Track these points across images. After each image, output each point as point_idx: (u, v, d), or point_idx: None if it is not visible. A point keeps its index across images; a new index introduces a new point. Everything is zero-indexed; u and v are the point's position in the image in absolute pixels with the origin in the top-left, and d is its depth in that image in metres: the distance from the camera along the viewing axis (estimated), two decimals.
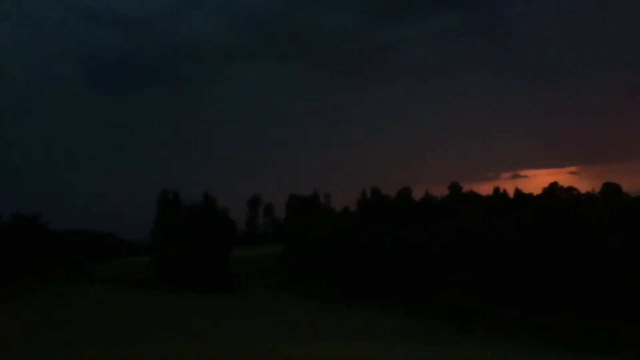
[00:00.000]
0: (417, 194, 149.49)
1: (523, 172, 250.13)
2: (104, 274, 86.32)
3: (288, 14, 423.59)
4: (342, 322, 51.66)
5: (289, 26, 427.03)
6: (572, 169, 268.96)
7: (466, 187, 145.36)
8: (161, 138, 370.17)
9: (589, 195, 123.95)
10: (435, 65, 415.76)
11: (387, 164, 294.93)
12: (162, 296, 62.18)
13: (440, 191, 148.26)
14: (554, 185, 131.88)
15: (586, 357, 34.08)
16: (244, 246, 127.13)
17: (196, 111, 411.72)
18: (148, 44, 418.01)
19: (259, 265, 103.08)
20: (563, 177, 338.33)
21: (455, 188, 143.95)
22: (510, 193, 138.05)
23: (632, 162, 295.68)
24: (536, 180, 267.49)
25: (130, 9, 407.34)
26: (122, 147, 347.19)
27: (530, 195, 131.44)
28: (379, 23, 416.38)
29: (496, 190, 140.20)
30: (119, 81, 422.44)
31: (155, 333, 35.02)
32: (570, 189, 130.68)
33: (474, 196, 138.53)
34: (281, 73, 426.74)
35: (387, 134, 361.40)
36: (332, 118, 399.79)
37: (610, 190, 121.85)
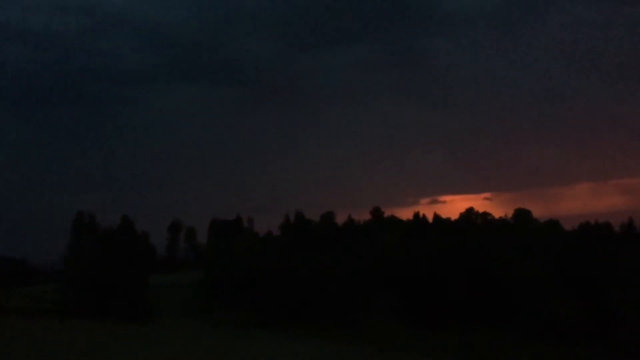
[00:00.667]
0: (340, 219, 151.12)
1: (441, 198, 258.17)
2: (10, 303, 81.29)
3: (208, 38, 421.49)
4: (260, 349, 50.94)
5: (209, 50, 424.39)
6: (487, 195, 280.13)
7: (387, 212, 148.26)
8: (76, 160, 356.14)
9: (502, 220, 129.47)
10: (357, 92, 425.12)
11: (311, 188, 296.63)
12: (70, 327, 59.16)
13: (363, 215, 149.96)
14: (470, 211, 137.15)
15: None
16: (163, 272, 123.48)
17: (114, 133, 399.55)
18: (62, 61, 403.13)
19: (177, 292, 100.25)
20: (478, 202, 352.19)
21: (377, 213, 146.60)
22: (429, 218, 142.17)
23: (542, 189, 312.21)
24: (453, 206, 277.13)
25: (42, 25, 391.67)
26: (32, 168, 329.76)
27: (447, 220, 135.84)
28: (300, 51, 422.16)
29: (416, 215, 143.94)
30: (26, 98, 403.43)
31: None
32: (485, 214, 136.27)
33: (394, 221, 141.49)
34: (200, 97, 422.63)
35: (311, 159, 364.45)
36: (254, 142, 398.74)
37: (522, 215, 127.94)
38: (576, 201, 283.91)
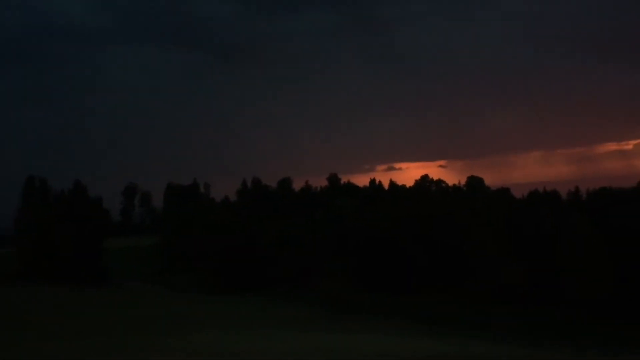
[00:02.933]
0: (297, 185, 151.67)
1: (397, 165, 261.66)
2: None
3: None
4: (220, 313, 51.59)
5: (165, 12, 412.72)
6: (442, 162, 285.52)
7: (344, 179, 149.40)
8: (26, 122, 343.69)
9: (455, 188, 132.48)
10: (315, 58, 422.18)
11: (268, 154, 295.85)
12: (28, 291, 58.47)
13: (320, 182, 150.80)
14: (424, 178, 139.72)
15: (456, 338, 36.86)
16: (118, 237, 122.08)
17: (67, 95, 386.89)
18: (16, 21, 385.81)
19: (134, 257, 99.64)
20: (433, 170, 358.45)
21: (333, 179, 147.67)
22: (385, 184, 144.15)
23: (495, 157, 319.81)
24: (409, 173, 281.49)
25: None
26: None
27: (403, 187, 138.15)
28: (258, 15, 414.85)
29: (372, 181, 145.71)
30: None
31: (21, 331, 33.01)
32: (440, 182, 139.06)
33: (351, 187, 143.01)
34: (157, 59, 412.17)
35: (268, 125, 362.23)
36: (209, 106, 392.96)
37: (474, 183, 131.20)
38: (527, 169, 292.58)
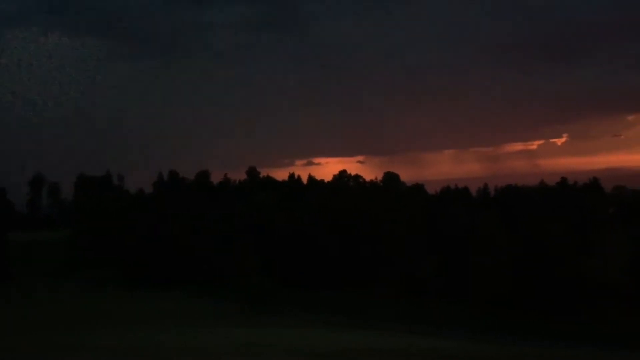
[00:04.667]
0: (216, 178, 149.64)
1: (316, 160, 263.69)
2: None
3: None
4: (132, 308, 50.36)
5: None
6: (360, 158, 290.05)
7: (263, 172, 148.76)
8: None
9: (372, 183, 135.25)
10: (237, 52, 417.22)
11: (186, 146, 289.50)
12: None
13: (239, 175, 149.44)
14: (343, 173, 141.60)
15: (371, 331, 37.72)
16: (24, 230, 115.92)
17: None
18: None
19: (40, 251, 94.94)
20: (352, 165, 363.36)
21: (252, 173, 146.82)
22: (304, 179, 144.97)
23: (411, 154, 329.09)
24: (328, 168, 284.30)
25: None
26: None
27: (322, 182, 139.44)
28: (180, 6, 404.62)
29: (291, 176, 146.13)
30: None
31: None
32: (357, 177, 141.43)
33: (270, 181, 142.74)
34: (68, 45, 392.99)
35: (187, 117, 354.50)
36: (126, 96, 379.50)
37: (390, 179, 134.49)
38: (441, 166, 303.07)
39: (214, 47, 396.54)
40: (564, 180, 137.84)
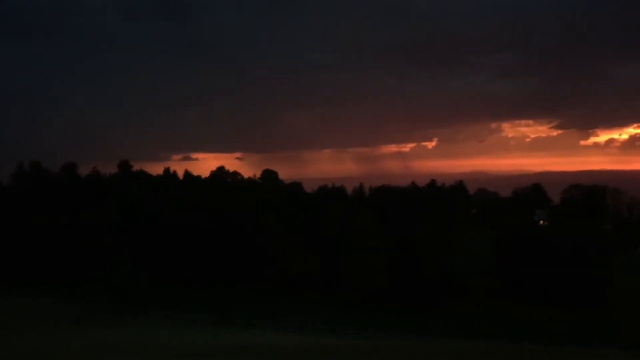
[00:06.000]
0: (85, 171, 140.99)
1: (194, 155, 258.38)
2: None
3: None
4: None
5: None
6: (239, 154, 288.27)
7: (137, 166, 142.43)
8: None
9: (250, 180, 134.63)
10: (118, 41, 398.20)
11: (52, 137, 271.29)
12: None
13: (110, 169, 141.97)
14: (221, 169, 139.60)
15: (246, 329, 37.18)
16: None
17: None
18: None
19: None
20: (230, 161, 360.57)
21: (125, 166, 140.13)
22: (181, 174, 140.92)
23: (290, 152, 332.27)
24: (206, 164, 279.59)
25: None
26: None
27: (198, 178, 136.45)
28: None
29: (166, 170, 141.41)
30: None
31: None
32: (236, 174, 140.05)
33: (143, 175, 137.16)
34: None
35: (55, 106, 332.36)
36: None
37: (269, 176, 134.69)
38: (319, 165, 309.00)
39: (86, 31, 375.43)
40: (433, 181, 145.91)
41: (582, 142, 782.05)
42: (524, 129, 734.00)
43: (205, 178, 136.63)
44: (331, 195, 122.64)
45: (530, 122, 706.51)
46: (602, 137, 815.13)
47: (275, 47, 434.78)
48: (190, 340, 27.56)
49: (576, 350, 34.35)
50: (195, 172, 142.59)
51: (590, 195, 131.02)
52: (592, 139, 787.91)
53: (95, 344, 23.62)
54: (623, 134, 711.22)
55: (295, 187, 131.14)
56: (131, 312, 48.72)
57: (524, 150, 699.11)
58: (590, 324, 55.87)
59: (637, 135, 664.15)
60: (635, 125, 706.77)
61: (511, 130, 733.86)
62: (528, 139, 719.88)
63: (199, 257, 69.24)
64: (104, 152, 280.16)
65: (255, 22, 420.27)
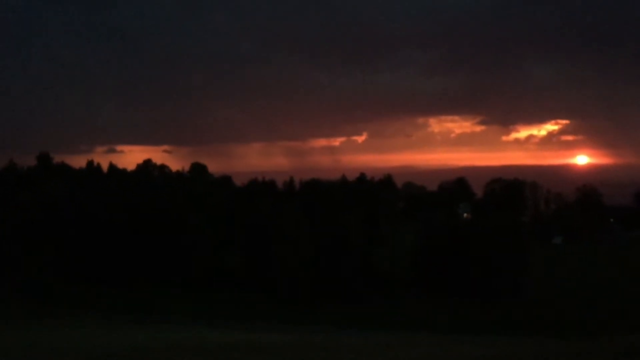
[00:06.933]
0: (0, 163, 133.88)
1: (119, 147, 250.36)
2: None
3: None
4: None
5: None
6: (166, 147, 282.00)
7: (57, 159, 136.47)
8: None
9: (178, 174, 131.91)
10: (31, 28, 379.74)
11: None
12: None
13: (28, 161, 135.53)
14: (148, 162, 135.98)
15: (167, 326, 36.23)
16: None
17: None
18: None
19: None
20: (157, 154, 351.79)
21: (44, 158, 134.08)
22: (105, 167, 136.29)
23: (220, 145, 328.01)
24: (132, 156, 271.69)
25: None
26: None
27: (124, 171, 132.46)
28: None
29: (89, 163, 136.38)
30: None
31: None
32: (163, 167, 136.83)
33: (65, 168, 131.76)
34: None
35: None
36: None
37: (198, 169, 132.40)
38: (249, 159, 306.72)
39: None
40: (362, 175, 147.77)
41: (504, 138, 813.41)
42: (449, 125, 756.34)
43: (131, 171, 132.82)
44: (261, 189, 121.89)
45: (456, 117, 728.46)
46: (523, 133, 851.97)
47: (203, 38, 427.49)
48: (105, 341, 26.57)
49: (491, 340, 35.53)
50: (120, 165, 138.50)
51: (510, 189, 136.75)
52: (513, 135, 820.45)
53: (2, 349, 22.31)
54: (542, 130, 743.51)
55: (225, 180, 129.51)
56: (46, 313, 46.64)
57: (450, 145, 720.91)
58: (508, 313, 58.22)
59: (555, 132, 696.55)
60: (552, 122, 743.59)
61: (437, 125, 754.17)
62: (453, 134, 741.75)
63: (119, 254, 66.98)
64: (21, 144, 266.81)
65: (179, 11, 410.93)
